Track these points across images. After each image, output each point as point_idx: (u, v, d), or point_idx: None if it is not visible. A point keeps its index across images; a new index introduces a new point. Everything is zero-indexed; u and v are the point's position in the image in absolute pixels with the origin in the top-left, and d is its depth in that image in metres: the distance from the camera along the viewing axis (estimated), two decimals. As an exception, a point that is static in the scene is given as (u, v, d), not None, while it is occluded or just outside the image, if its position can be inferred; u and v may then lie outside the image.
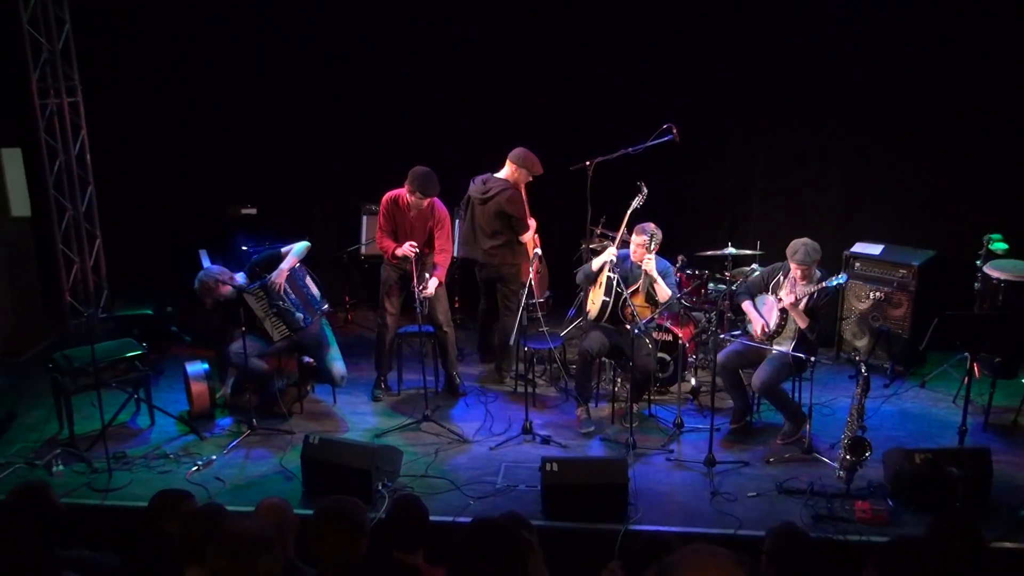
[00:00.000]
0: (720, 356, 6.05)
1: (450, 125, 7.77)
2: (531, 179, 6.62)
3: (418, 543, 3.47)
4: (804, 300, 5.76)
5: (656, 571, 1.41)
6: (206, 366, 6.37)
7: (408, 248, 6.15)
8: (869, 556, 2.82)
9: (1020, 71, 7.01)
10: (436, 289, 6.32)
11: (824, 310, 5.95)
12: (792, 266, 5.81)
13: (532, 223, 6.78)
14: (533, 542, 3.17)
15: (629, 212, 6.26)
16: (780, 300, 5.86)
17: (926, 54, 7.14)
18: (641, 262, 6.09)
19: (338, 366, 6.40)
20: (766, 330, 5.93)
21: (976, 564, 3.28)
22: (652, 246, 6.05)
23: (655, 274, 6.08)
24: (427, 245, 6.45)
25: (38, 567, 2.62)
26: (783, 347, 5.88)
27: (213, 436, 6.15)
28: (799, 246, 5.77)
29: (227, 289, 6.05)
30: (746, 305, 6.09)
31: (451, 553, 2.71)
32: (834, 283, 5.71)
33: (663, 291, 6.09)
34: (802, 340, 5.87)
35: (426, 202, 6.27)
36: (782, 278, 5.97)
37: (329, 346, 6.43)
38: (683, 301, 6.84)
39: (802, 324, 5.78)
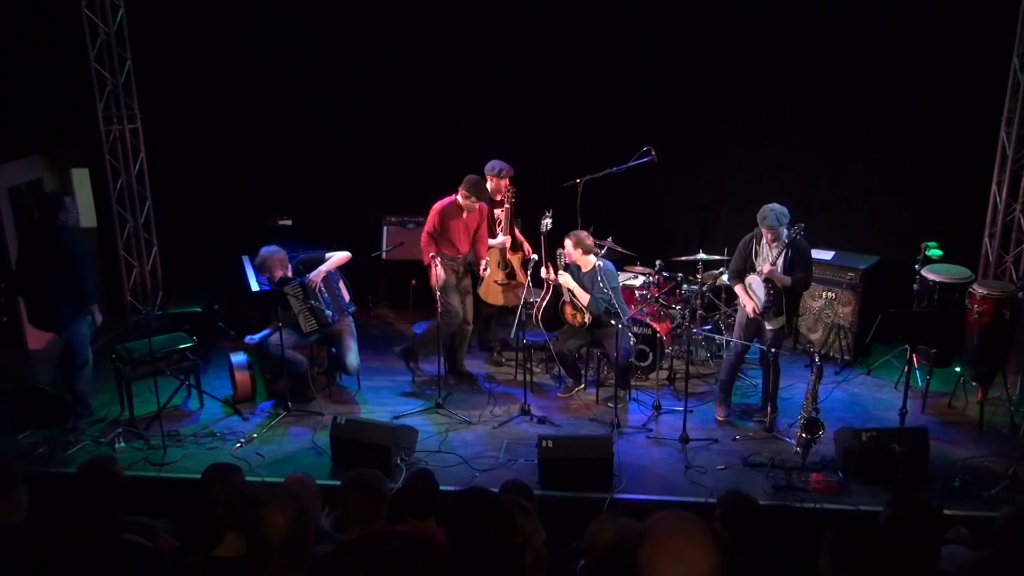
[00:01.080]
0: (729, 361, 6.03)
1: (458, 148, 7.76)
2: (487, 198, 6.54)
3: (430, 511, 3.46)
4: (780, 263, 5.57)
5: (635, 534, 1.42)
6: (247, 357, 6.36)
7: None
8: (822, 539, 2.65)
9: (951, 103, 7.00)
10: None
11: (801, 264, 5.63)
12: (763, 231, 5.61)
13: (505, 238, 6.72)
14: (530, 507, 3.15)
15: (542, 235, 6.29)
16: (761, 272, 5.61)
17: (872, 88, 7.12)
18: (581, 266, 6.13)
19: (352, 359, 6.31)
20: (757, 310, 5.70)
21: (933, 542, 3.12)
22: (560, 261, 6.25)
23: (571, 285, 6.15)
24: (472, 243, 6.54)
25: (104, 531, 2.61)
26: (772, 325, 5.72)
27: (254, 417, 6.16)
28: (767, 211, 5.54)
29: (279, 272, 6.09)
30: (738, 288, 5.84)
31: (444, 512, 2.69)
32: (790, 232, 5.52)
33: (581, 297, 6.13)
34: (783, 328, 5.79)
35: (478, 204, 6.35)
36: (756, 246, 5.75)
37: (351, 341, 6.41)
38: (661, 300, 6.84)
39: (786, 283, 5.59)
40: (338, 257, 6.30)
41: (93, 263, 6.19)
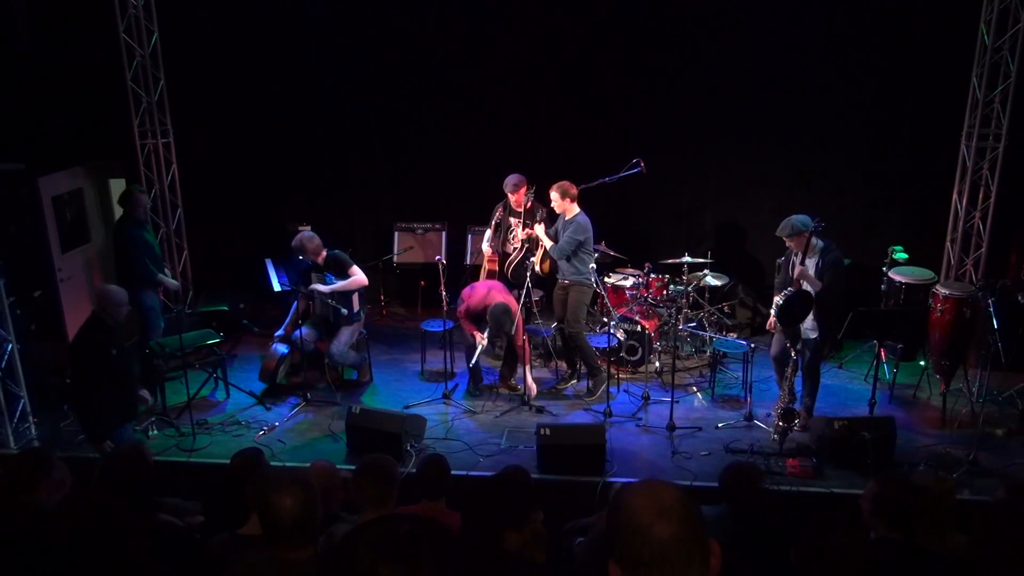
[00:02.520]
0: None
1: (464, 161, 7.77)
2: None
3: (441, 493, 3.45)
4: (812, 270, 5.31)
5: (614, 494, 1.57)
6: (286, 350, 6.31)
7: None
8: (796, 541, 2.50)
9: (916, 119, 7.00)
10: None
11: (829, 271, 5.28)
12: (787, 243, 5.43)
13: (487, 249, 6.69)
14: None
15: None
16: (795, 280, 5.33)
17: (843, 105, 7.12)
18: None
19: (335, 347, 6.11)
20: (771, 324, 5.57)
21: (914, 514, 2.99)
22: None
23: (542, 236, 6.14)
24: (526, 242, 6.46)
25: (138, 510, 2.63)
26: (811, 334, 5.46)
27: (276, 407, 6.15)
28: (782, 223, 5.34)
29: (320, 256, 6.14)
30: (776, 299, 5.55)
31: (468, 497, 2.66)
32: (823, 240, 5.31)
33: (547, 245, 6.11)
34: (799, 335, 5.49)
35: (528, 202, 6.30)
36: (790, 260, 5.54)
37: (346, 335, 6.21)
38: (649, 299, 6.83)
39: (816, 285, 5.28)
40: (353, 281, 6.11)
41: (148, 249, 6.37)
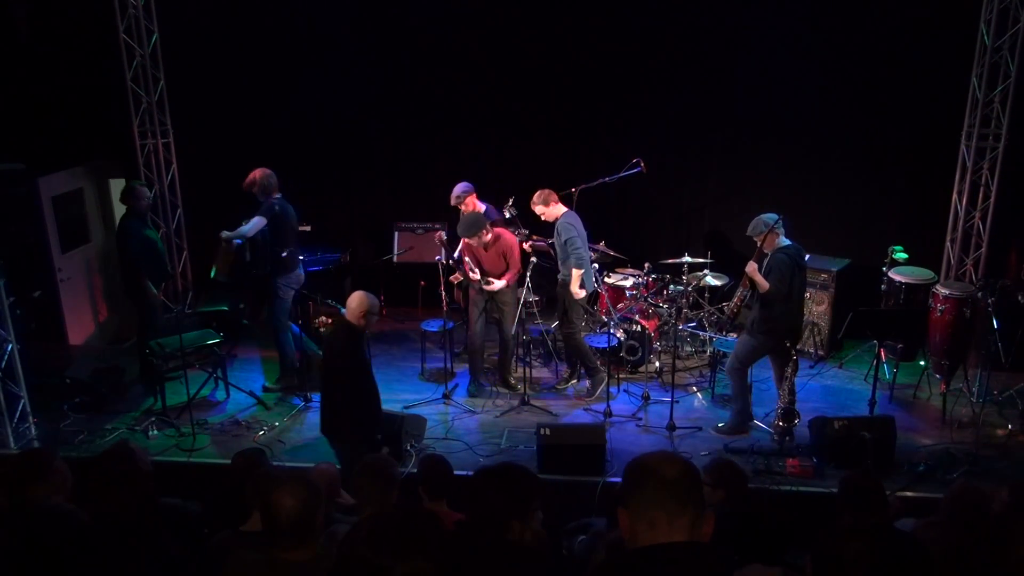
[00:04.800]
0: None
1: (463, 162, 7.74)
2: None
3: (443, 493, 3.44)
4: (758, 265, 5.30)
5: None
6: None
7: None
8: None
9: (916, 120, 7.00)
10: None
11: (774, 276, 5.19)
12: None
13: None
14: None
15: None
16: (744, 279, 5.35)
17: (844, 106, 7.12)
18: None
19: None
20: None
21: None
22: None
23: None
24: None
25: (147, 509, 2.64)
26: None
27: (276, 407, 6.14)
28: (752, 223, 5.34)
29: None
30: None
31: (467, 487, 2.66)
32: (784, 243, 5.20)
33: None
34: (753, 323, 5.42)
35: (488, 237, 5.84)
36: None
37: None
38: (649, 299, 6.83)
39: (763, 286, 5.23)
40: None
41: (150, 247, 6.29)
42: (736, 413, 5.64)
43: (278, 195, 6.10)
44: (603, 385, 6.11)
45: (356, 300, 4.65)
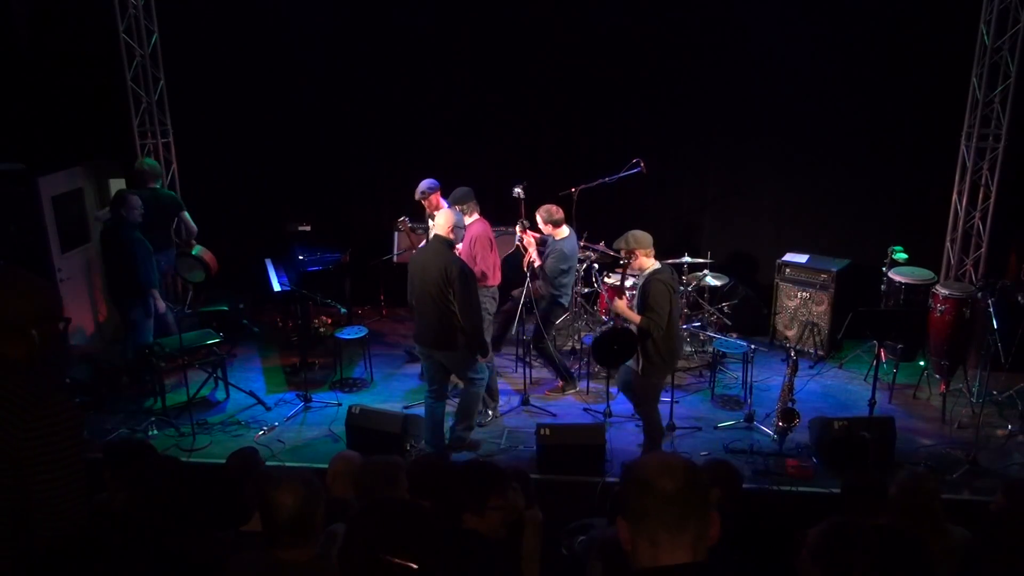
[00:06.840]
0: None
1: (463, 161, 7.75)
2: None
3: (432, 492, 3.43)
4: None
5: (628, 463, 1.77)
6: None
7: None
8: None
9: (916, 119, 7.00)
10: None
11: (648, 306, 4.77)
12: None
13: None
14: (518, 487, 3.11)
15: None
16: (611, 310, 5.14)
17: (843, 106, 7.11)
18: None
19: None
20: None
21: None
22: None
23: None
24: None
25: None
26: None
27: (276, 407, 6.15)
28: (621, 237, 4.94)
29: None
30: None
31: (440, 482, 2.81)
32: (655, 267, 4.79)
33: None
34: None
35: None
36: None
37: None
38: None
39: (632, 323, 4.85)
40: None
41: (149, 256, 6.09)
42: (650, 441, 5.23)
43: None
44: (573, 390, 6.30)
45: (443, 216, 4.96)
